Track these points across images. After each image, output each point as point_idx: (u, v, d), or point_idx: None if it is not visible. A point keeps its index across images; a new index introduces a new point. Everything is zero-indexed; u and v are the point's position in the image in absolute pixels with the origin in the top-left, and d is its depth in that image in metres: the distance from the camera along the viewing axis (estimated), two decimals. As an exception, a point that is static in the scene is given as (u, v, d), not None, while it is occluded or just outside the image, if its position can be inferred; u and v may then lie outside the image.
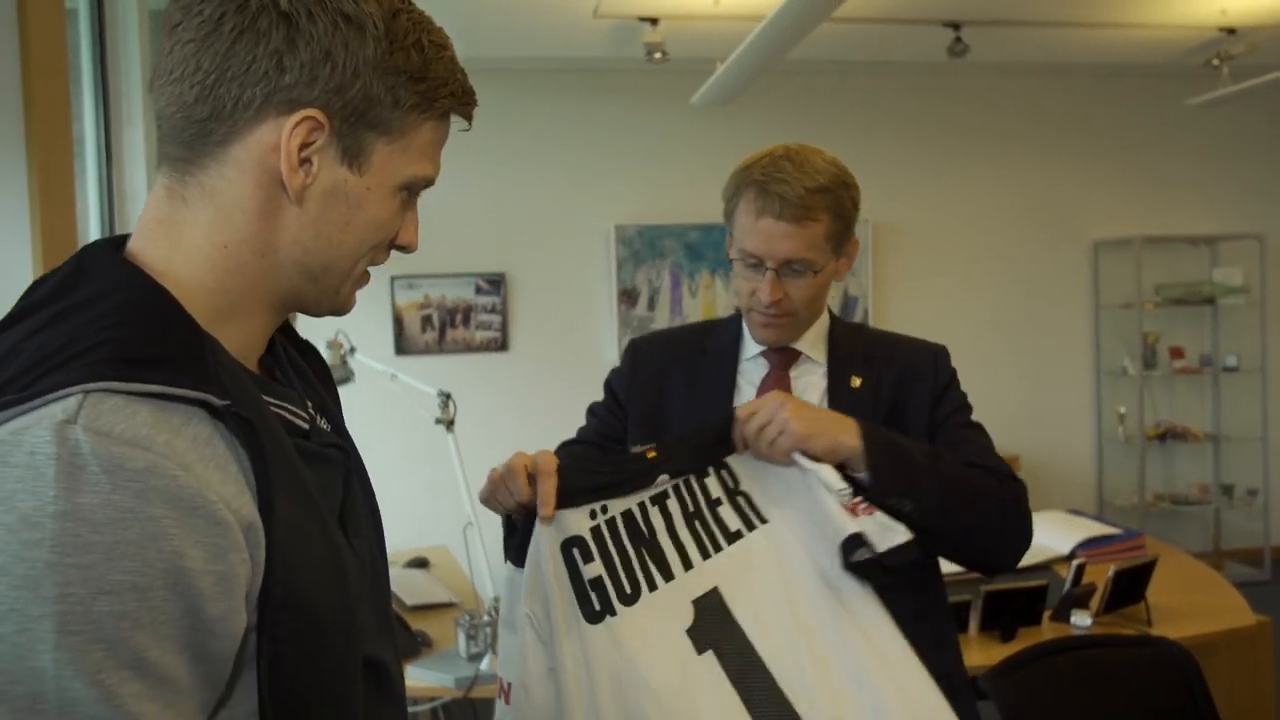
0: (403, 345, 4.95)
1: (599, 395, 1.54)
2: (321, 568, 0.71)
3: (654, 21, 4.08)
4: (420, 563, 3.23)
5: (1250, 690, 2.54)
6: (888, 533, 1.15)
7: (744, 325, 1.51)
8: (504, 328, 5.09)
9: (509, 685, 1.14)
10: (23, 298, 0.69)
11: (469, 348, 5.05)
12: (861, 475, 1.23)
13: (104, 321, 0.65)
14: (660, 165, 5.18)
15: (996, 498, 1.32)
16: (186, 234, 0.72)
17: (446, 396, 2.49)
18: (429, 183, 0.79)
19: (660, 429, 1.45)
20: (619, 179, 5.14)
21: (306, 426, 0.78)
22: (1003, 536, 1.34)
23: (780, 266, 1.37)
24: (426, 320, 5.03)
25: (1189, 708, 1.89)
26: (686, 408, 1.47)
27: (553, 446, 5.05)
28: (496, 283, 5.06)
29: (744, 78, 3.65)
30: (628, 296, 5.16)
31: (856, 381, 1.44)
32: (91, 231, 2.62)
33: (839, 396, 1.43)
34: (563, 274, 5.14)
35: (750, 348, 1.51)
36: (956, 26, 4.32)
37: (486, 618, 2.32)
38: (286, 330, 0.86)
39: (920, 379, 1.45)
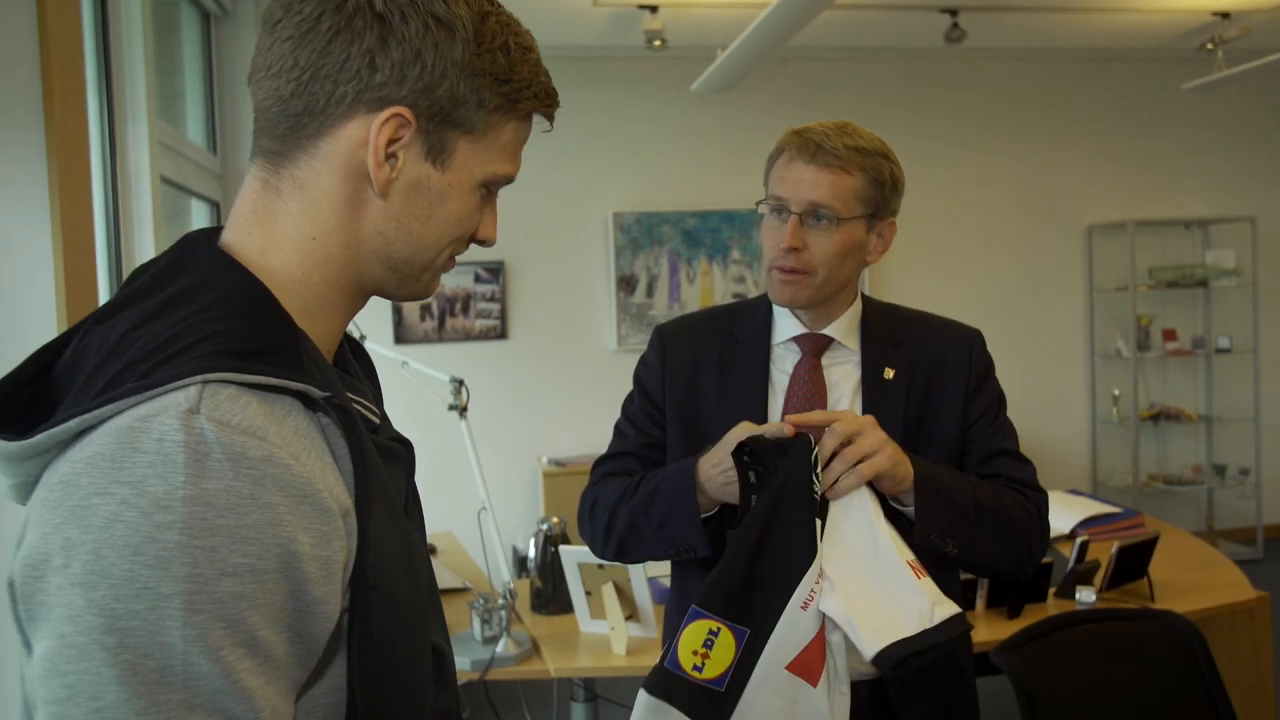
0: (402, 334, 4.97)
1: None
2: (400, 556, 0.74)
3: (653, 9, 4.10)
4: (429, 550, 3.25)
5: (1251, 663, 2.60)
6: (940, 607, 1.18)
7: (773, 308, 1.49)
8: (503, 316, 5.10)
9: None
10: (125, 285, 0.72)
11: (468, 336, 5.07)
12: (908, 509, 1.30)
13: (211, 313, 0.68)
14: (658, 152, 5.20)
15: (1027, 523, 1.40)
16: (279, 225, 0.75)
17: (460, 383, 2.52)
18: (509, 180, 0.81)
19: (695, 421, 1.45)
20: (617, 166, 5.16)
21: (377, 421, 0.81)
22: (1028, 554, 1.42)
23: (804, 213, 1.37)
24: (426, 309, 5.04)
25: (1195, 679, 1.94)
26: (720, 398, 1.45)
27: (553, 433, 5.14)
28: (495, 271, 5.08)
29: (745, 64, 3.67)
30: (626, 284, 5.18)
31: (890, 374, 1.43)
32: (98, 218, 2.63)
33: (872, 389, 1.43)
34: (561, 262, 5.15)
35: (781, 331, 1.48)
36: (954, 12, 4.34)
37: (500, 601, 2.35)
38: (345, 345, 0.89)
39: (955, 371, 1.45)
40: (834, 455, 1.24)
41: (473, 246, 0.84)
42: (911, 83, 5.39)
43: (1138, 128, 5.66)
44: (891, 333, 1.48)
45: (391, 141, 0.73)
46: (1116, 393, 5.51)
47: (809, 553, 1.18)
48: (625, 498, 1.44)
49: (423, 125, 0.74)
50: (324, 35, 0.71)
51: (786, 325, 1.48)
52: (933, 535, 1.29)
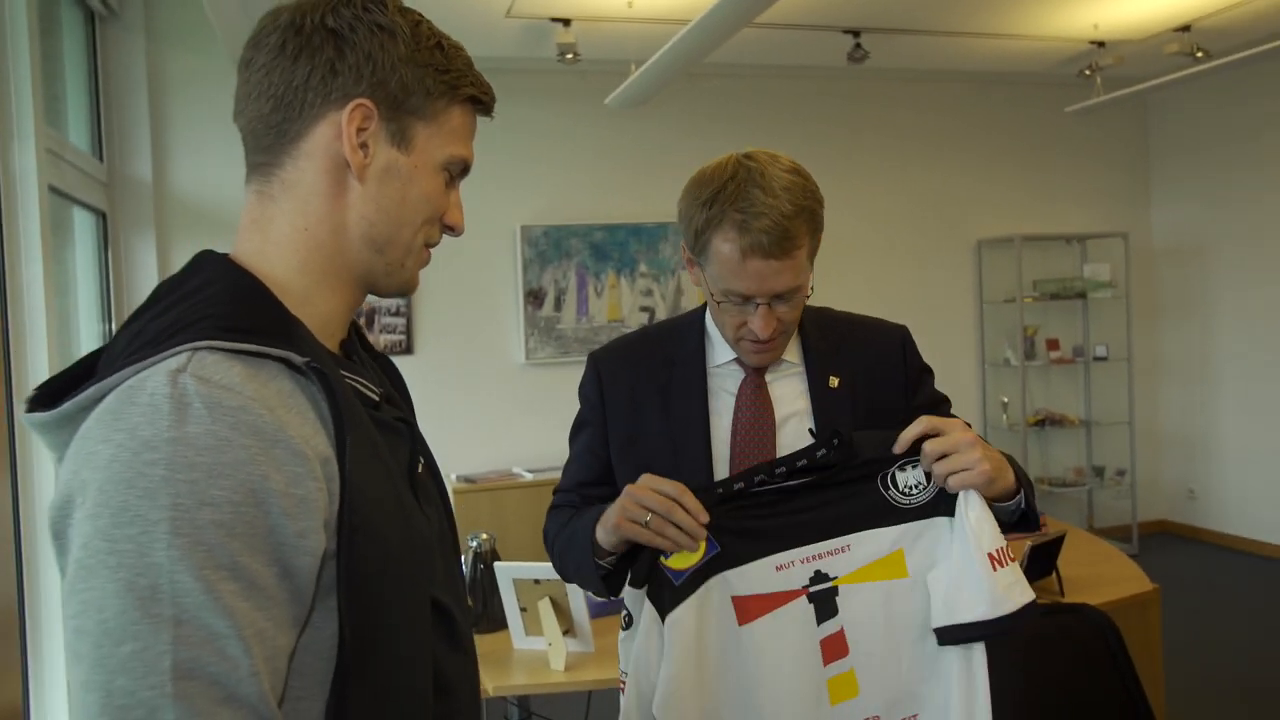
0: (306, 349, 4.82)
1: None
2: (391, 507, 0.82)
3: (566, 22, 4.11)
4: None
5: (1145, 649, 2.76)
6: (1017, 587, 1.24)
7: (706, 329, 1.48)
8: (409, 330, 5.01)
9: (623, 680, 1.27)
10: (150, 296, 0.83)
11: (374, 350, 4.95)
12: (1011, 504, 1.31)
13: (210, 302, 0.79)
14: (566, 166, 5.20)
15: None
16: (274, 226, 0.86)
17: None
18: (465, 164, 0.93)
19: (638, 446, 1.45)
20: (526, 179, 5.14)
21: (377, 399, 0.90)
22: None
23: (772, 299, 1.34)
24: (329, 323, 4.90)
25: (1111, 669, 2.05)
26: (662, 423, 1.45)
27: (462, 450, 5.05)
28: (402, 284, 4.98)
29: (660, 80, 3.71)
30: (534, 297, 5.16)
31: (835, 382, 1.44)
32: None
33: (820, 400, 1.43)
34: (468, 275, 5.09)
35: (718, 355, 1.47)
36: (857, 34, 4.50)
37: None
38: (364, 342, 1.00)
39: (892, 368, 1.49)
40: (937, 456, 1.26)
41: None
42: (816, 100, 5.55)
43: (1024, 148, 5.97)
44: (829, 340, 1.48)
45: (360, 130, 0.85)
46: (1005, 400, 5.78)
47: (819, 533, 1.27)
48: (559, 535, 1.48)
49: (384, 113, 0.86)
50: (290, 56, 0.84)
51: (725, 347, 1.46)
52: (1027, 504, 1.32)
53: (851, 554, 1.27)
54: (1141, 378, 6.09)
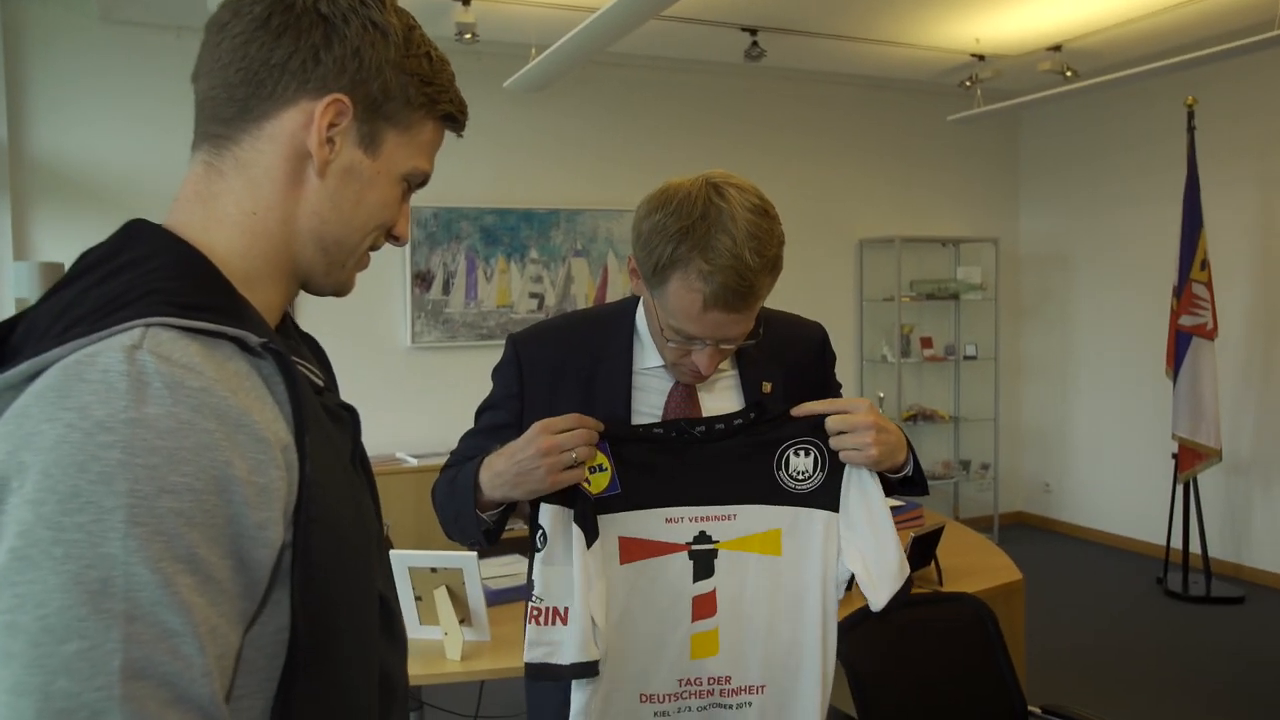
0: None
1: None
2: (344, 497, 0.80)
3: (466, 1, 4.03)
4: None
5: (1010, 632, 2.92)
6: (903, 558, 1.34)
7: (636, 328, 1.45)
8: (291, 310, 4.83)
9: (565, 608, 1.29)
10: (74, 265, 0.76)
11: (252, 329, 4.76)
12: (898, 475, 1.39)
13: (155, 275, 0.74)
14: (460, 147, 5.07)
15: None
16: (221, 203, 0.81)
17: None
18: (425, 178, 0.90)
19: None
20: (417, 158, 5.01)
21: (320, 384, 0.87)
22: None
23: (722, 341, 1.33)
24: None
25: (988, 653, 2.17)
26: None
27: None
28: (284, 261, 4.80)
29: (561, 66, 3.69)
30: (422, 279, 5.05)
31: (767, 387, 1.45)
32: None
33: (754, 405, 1.42)
34: (354, 254, 4.94)
35: (647, 359, 1.44)
36: (754, 31, 4.58)
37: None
38: (295, 326, 0.96)
39: (814, 365, 1.54)
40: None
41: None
42: (713, 95, 5.62)
43: (907, 152, 6.20)
44: (760, 346, 1.46)
45: (332, 125, 0.81)
46: (882, 395, 6.00)
47: (711, 497, 1.34)
48: (443, 490, 1.45)
49: (359, 113, 0.82)
50: (274, 31, 0.79)
51: (653, 352, 1.43)
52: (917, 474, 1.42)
53: (735, 523, 1.35)
54: (1006, 376, 6.42)
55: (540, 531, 1.30)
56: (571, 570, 1.29)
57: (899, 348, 5.92)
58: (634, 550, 1.33)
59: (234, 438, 0.68)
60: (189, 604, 0.64)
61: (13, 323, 0.75)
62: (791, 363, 1.50)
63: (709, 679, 1.34)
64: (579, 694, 1.31)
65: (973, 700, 2.13)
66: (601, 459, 1.31)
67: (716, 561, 1.34)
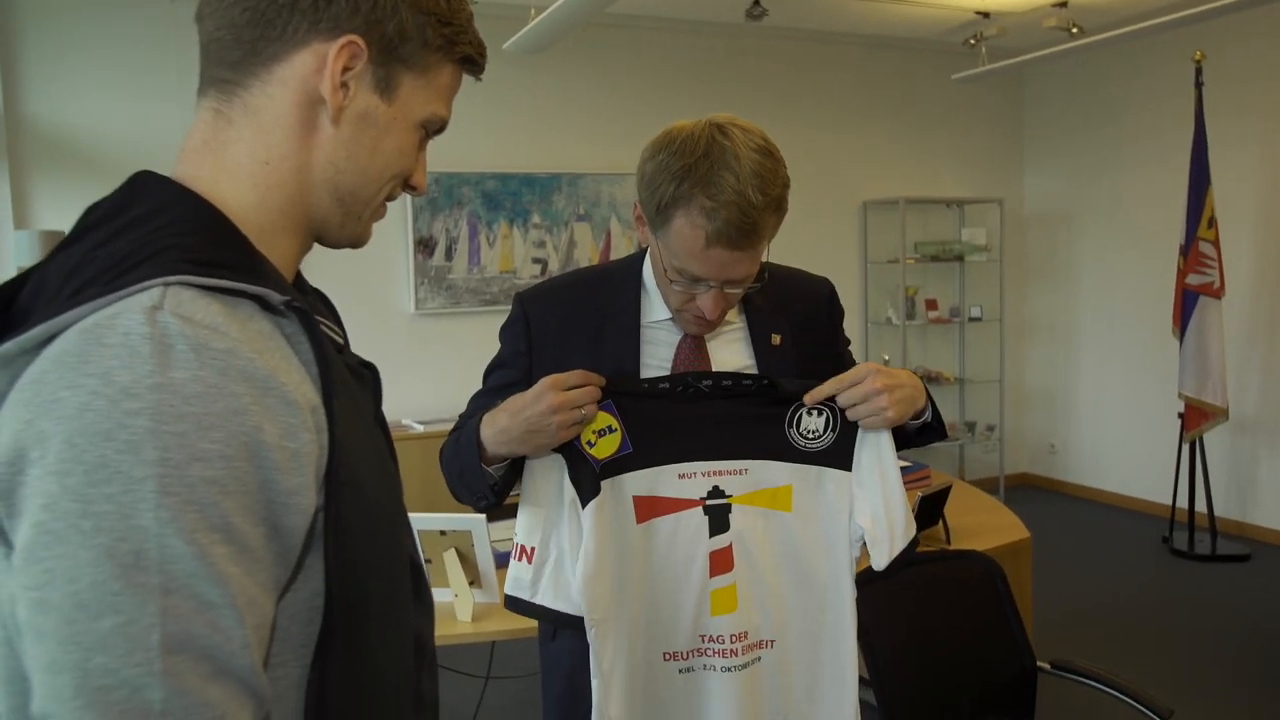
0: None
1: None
2: (373, 461, 0.77)
3: (465, -39, 3.97)
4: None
5: (1018, 590, 2.93)
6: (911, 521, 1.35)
7: (644, 282, 1.45)
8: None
9: (532, 548, 1.32)
10: (80, 221, 0.73)
11: (254, 298, 4.75)
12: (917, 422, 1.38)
13: (169, 230, 0.70)
14: (460, 111, 4.98)
15: None
16: (230, 152, 0.77)
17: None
18: (442, 125, 0.86)
19: None
20: (417, 124, 4.96)
21: (341, 342, 0.85)
22: None
23: (725, 283, 1.32)
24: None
25: (998, 610, 2.18)
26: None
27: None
28: (285, 229, 4.78)
29: (561, 27, 3.64)
30: (424, 245, 5.03)
31: (777, 339, 1.44)
32: None
33: (763, 355, 1.44)
34: (356, 221, 4.91)
35: (654, 311, 1.44)
36: (756, -10, 4.51)
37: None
38: (300, 276, 0.92)
39: (821, 319, 1.53)
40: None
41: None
42: (715, 56, 5.55)
43: (911, 113, 6.13)
44: (768, 298, 1.47)
45: (346, 69, 0.77)
46: (887, 357, 5.98)
47: (722, 452, 1.33)
48: (450, 448, 1.45)
49: (374, 56, 0.78)
50: None
51: (661, 304, 1.43)
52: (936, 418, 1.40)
53: (747, 477, 1.34)
54: (1011, 338, 6.40)
55: (527, 470, 1.32)
56: (542, 511, 1.31)
57: (904, 310, 5.90)
58: (649, 508, 1.32)
59: (263, 401, 0.65)
60: (226, 575, 0.62)
61: (20, 282, 0.72)
62: (800, 316, 1.49)
63: (730, 636, 1.34)
64: (599, 653, 1.31)
65: (983, 656, 2.14)
66: (610, 420, 1.30)
67: (731, 516, 1.33)
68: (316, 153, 0.78)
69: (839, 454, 1.34)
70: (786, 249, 5.82)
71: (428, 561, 2.34)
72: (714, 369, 1.44)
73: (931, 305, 6.15)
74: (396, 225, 4.98)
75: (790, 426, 1.34)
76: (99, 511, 0.60)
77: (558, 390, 1.25)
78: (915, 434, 1.41)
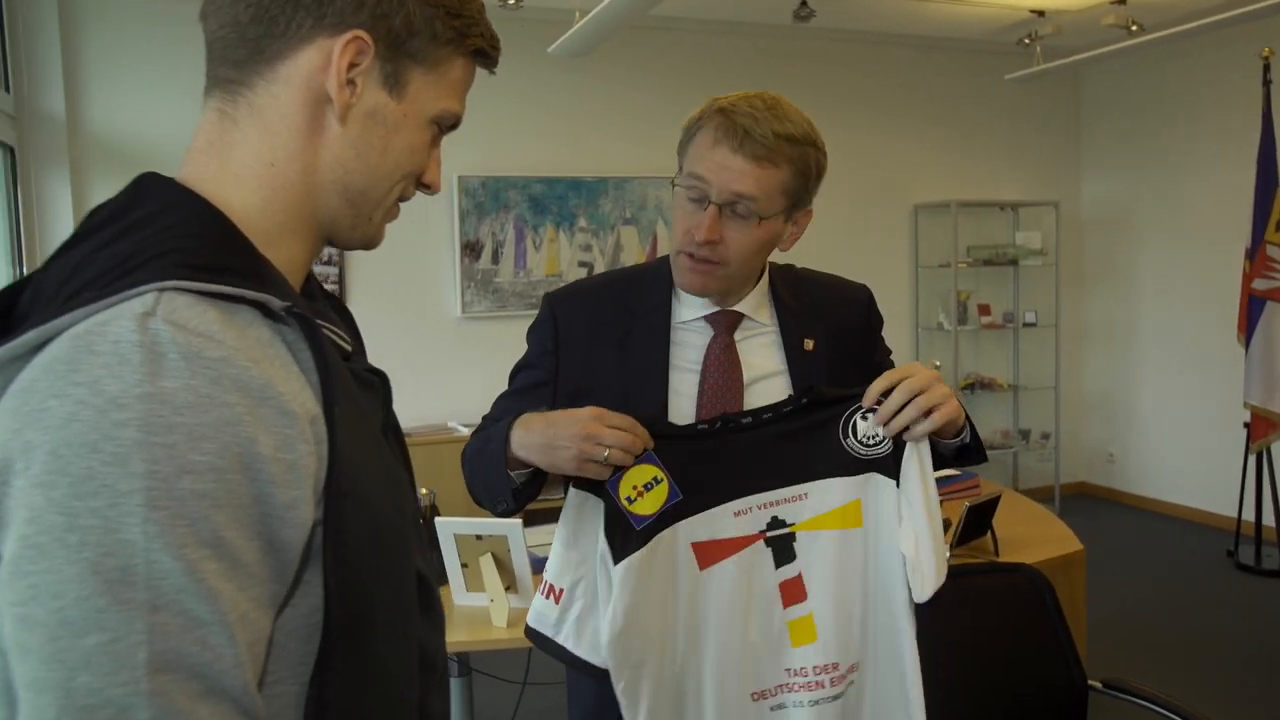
0: (232, 298, 4.65)
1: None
2: (377, 471, 0.75)
3: (509, -35, 3.98)
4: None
5: (1071, 607, 2.84)
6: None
7: (674, 286, 1.42)
8: (341, 280, 4.87)
9: (560, 590, 1.28)
10: (83, 222, 0.72)
11: (304, 301, 4.81)
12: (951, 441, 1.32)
13: (170, 234, 0.68)
14: (506, 116, 5.08)
15: None
16: (235, 153, 0.75)
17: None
18: (456, 120, 0.83)
19: (589, 401, 1.37)
20: (464, 129, 4.83)
21: (349, 349, 0.82)
22: None
23: (725, 204, 1.30)
24: (256, 272, 4.74)
25: (1045, 626, 2.10)
26: (617, 376, 1.39)
27: (397, 404, 5.00)
28: (334, 233, 4.83)
29: (605, 30, 3.63)
30: (471, 249, 5.05)
31: (809, 344, 1.41)
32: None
33: (796, 361, 1.41)
34: (403, 225, 4.79)
35: (685, 311, 1.42)
36: (804, -9, 4.45)
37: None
38: (320, 287, 0.90)
39: (858, 328, 1.48)
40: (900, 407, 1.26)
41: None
42: (761, 58, 5.50)
43: (963, 114, 6.02)
44: (800, 300, 1.45)
45: (352, 66, 0.74)
46: (938, 363, 5.85)
47: (777, 480, 1.27)
48: (473, 448, 1.42)
49: (381, 52, 0.75)
50: None
51: (693, 304, 1.42)
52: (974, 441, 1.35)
53: (808, 502, 1.28)
54: (1067, 343, 6.24)
55: (566, 510, 1.28)
56: (576, 556, 1.27)
57: (955, 315, 5.78)
58: (710, 553, 1.27)
59: (258, 411, 0.63)
60: (216, 591, 0.60)
61: (20, 286, 0.71)
62: (834, 321, 1.45)
63: (814, 668, 1.28)
64: (632, 703, 1.26)
65: (1029, 673, 2.07)
66: (655, 471, 1.25)
67: (796, 545, 1.28)
68: (324, 153, 0.76)
69: (893, 462, 1.28)
70: (836, 253, 5.77)
71: (464, 566, 2.33)
72: (744, 370, 1.40)
73: (984, 310, 6.02)
74: (443, 229, 5.01)
75: (846, 435, 1.28)
76: (85, 525, 0.58)
77: (598, 423, 1.22)
78: (953, 456, 1.35)
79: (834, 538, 1.27)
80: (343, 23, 0.73)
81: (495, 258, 5.10)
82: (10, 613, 0.59)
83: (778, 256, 1.49)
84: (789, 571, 1.28)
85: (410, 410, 4.87)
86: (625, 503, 1.24)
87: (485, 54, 0.83)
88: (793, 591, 1.28)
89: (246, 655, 0.62)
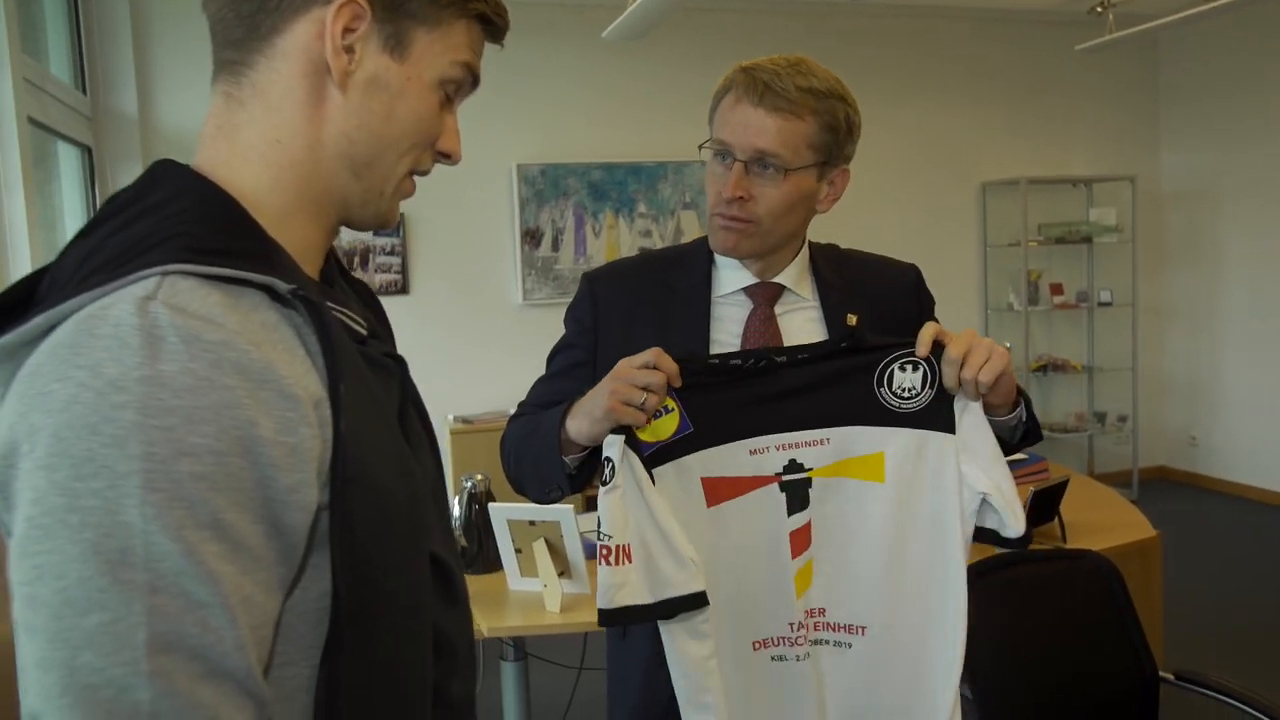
0: (299, 289, 4.75)
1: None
2: (388, 454, 0.74)
3: (563, -49, 3.96)
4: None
5: (1145, 598, 2.74)
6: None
7: (714, 257, 1.41)
8: (404, 270, 4.93)
9: (628, 546, 1.21)
10: (100, 209, 0.72)
11: (368, 291, 4.88)
12: (1009, 417, 1.27)
13: (178, 219, 0.69)
14: (563, 102, 5.08)
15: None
16: (242, 134, 0.75)
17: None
18: (465, 82, 0.80)
19: None
20: (521, 116, 5.01)
21: (364, 333, 0.81)
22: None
23: (750, 160, 1.29)
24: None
25: (1113, 614, 2.03)
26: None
27: (459, 390, 4.97)
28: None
29: (658, 13, 3.59)
30: (531, 237, 5.07)
31: (853, 319, 1.38)
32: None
33: (838, 335, 1.36)
34: (464, 214, 5.00)
35: (724, 284, 1.40)
36: (862, -35, 4.35)
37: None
38: (343, 270, 0.89)
39: (906, 305, 1.44)
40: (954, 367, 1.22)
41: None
42: (817, 36, 5.40)
43: (1031, 87, 5.83)
44: (842, 276, 1.43)
45: (348, 31, 0.73)
46: (1009, 345, 5.70)
47: (800, 422, 1.23)
48: (518, 436, 1.41)
49: (378, 14, 0.74)
50: None
51: (732, 277, 1.40)
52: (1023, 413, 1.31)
53: (829, 447, 1.23)
54: (1146, 323, 6.02)
55: (609, 464, 1.22)
56: (636, 504, 1.22)
57: (1026, 295, 5.62)
58: (720, 490, 1.23)
59: (258, 394, 0.63)
60: (216, 573, 0.60)
61: (40, 274, 0.72)
62: (879, 297, 1.42)
63: (806, 612, 1.25)
64: (685, 645, 1.23)
65: (1096, 665, 1.99)
66: (666, 401, 1.22)
67: (811, 491, 1.24)
68: (328, 125, 0.75)
69: (939, 415, 1.21)
70: (900, 234, 5.65)
71: (518, 551, 2.34)
72: (785, 343, 1.37)
73: (1056, 290, 5.84)
74: (503, 217, 5.04)
75: (881, 385, 1.22)
76: (85, 506, 0.59)
77: (626, 364, 1.21)
78: (1016, 439, 1.30)
79: (850, 487, 1.23)
80: None
81: (555, 245, 5.11)
82: (19, 592, 0.60)
83: (825, 229, 1.45)
84: (800, 519, 1.24)
85: (471, 396, 4.94)
86: (635, 427, 1.22)
87: (489, 21, 0.81)
88: (800, 540, 1.24)
89: (249, 637, 0.62)
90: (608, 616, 1.22)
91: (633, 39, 4.08)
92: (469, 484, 2.53)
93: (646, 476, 1.21)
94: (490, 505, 2.35)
